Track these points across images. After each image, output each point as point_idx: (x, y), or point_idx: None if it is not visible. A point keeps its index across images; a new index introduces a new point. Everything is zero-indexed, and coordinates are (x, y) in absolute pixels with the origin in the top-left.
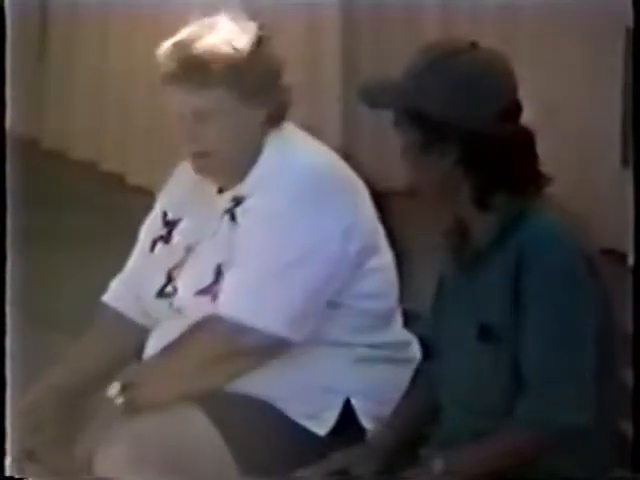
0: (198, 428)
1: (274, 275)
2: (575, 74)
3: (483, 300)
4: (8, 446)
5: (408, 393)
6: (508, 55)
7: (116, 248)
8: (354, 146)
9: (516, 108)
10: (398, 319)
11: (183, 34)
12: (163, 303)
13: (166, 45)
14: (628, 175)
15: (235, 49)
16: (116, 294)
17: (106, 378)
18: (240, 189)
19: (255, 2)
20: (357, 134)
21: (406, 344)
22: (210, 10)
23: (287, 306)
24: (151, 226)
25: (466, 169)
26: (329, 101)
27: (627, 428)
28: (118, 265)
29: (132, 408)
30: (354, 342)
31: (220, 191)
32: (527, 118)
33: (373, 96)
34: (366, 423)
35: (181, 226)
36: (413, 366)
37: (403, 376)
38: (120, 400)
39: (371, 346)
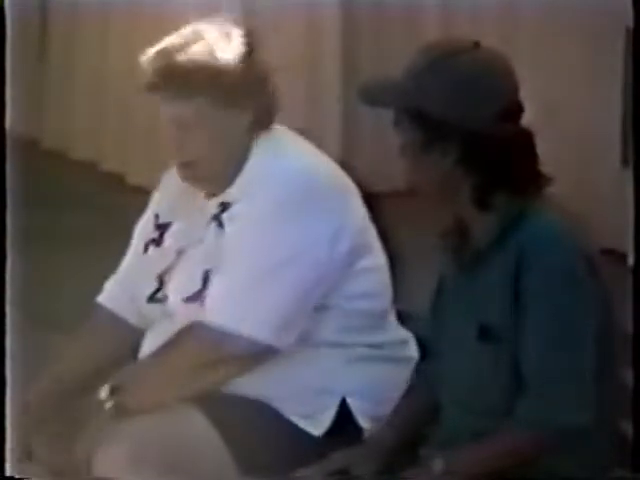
0: (197, 428)
1: (259, 282)
2: (575, 74)
3: (483, 300)
4: (8, 446)
5: (408, 393)
6: (508, 55)
7: (116, 248)
8: (354, 146)
9: (517, 108)
10: (393, 318)
11: (165, 43)
12: (155, 307)
13: (148, 54)
14: (628, 175)
15: (217, 58)
16: (111, 295)
17: (101, 379)
18: (227, 195)
19: (255, 2)
20: (357, 134)
21: (403, 343)
22: (210, 10)
23: (272, 313)
24: (144, 228)
25: (466, 169)
26: (329, 101)
27: (627, 428)
28: (118, 265)
29: (121, 411)
30: (348, 342)
31: (209, 196)
32: (527, 118)
33: (373, 95)
34: (363, 423)
35: (172, 229)
36: (410, 365)
37: (400, 375)
38: (109, 403)
39: (366, 345)
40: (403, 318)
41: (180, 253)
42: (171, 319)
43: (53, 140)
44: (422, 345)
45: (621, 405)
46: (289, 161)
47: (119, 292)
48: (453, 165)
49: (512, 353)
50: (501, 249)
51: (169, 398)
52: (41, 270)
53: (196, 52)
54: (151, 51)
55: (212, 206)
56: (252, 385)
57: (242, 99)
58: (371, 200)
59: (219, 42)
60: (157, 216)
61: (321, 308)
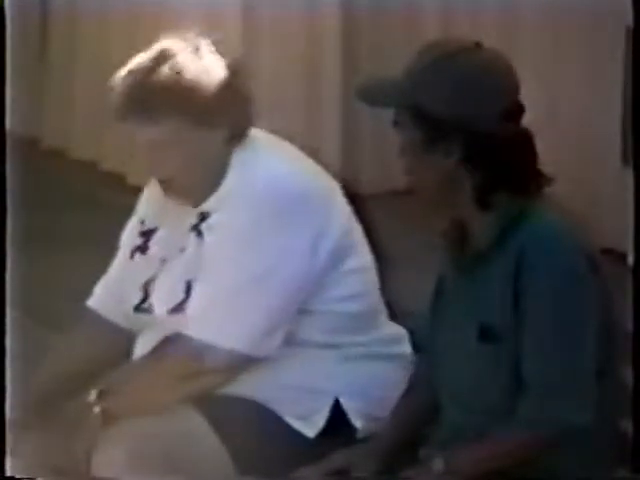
0: (196, 429)
1: (239, 294)
2: (575, 74)
3: (483, 300)
4: (8, 446)
5: (408, 393)
6: (508, 55)
7: (116, 248)
8: (354, 146)
9: (518, 108)
10: (384, 315)
11: (133, 65)
12: (142, 316)
13: (116, 78)
14: (628, 175)
15: (186, 80)
16: (100, 298)
17: (92, 381)
18: (206, 205)
19: (255, 2)
20: (357, 134)
21: (395, 340)
22: (210, 10)
23: (251, 324)
24: (130, 233)
25: (468, 169)
26: (329, 101)
27: (627, 428)
28: None
29: (107, 416)
30: (339, 343)
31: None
32: (527, 118)
33: (373, 94)
34: (357, 422)
35: (157, 236)
36: (404, 362)
37: (394, 372)
38: (97, 408)
39: (358, 345)
40: (401, 316)
41: (164, 262)
42: (162, 323)
43: (53, 140)
44: (414, 343)
45: (621, 405)
46: (267, 171)
47: (107, 296)
48: (455, 165)
49: (512, 353)
50: (501, 249)
51: (154, 406)
52: (41, 270)
53: (164, 74)
54: (118, 76)
55: (192, 215)
56: (248, 386)
57: (216, 117)
58: (359, 200)
59: (188, 61)
60: (143, 222)
61: (306, 311)
